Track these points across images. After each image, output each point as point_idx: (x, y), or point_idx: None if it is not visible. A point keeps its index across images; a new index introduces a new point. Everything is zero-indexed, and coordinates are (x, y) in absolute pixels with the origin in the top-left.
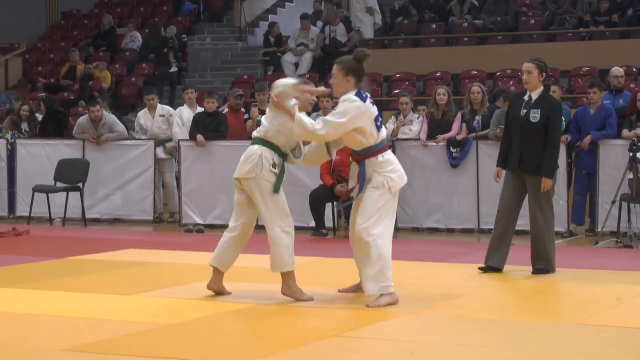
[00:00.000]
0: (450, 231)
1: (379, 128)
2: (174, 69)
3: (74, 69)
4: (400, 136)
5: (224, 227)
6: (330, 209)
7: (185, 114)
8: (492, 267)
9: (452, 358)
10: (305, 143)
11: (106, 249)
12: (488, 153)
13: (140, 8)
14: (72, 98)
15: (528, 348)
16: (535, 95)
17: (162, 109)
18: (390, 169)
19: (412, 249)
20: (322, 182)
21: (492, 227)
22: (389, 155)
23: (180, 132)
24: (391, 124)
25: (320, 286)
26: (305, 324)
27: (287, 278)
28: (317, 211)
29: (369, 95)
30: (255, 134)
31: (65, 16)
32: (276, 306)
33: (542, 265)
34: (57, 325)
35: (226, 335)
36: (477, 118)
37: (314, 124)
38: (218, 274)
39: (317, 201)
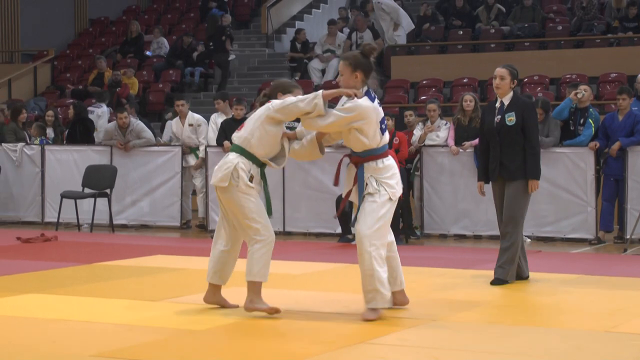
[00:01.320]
0: (477, 238)
1: (382, 131)
2: (232, 57)
3: (101, 76)
4: (427, 142)
5: None
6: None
7: (220, 120)
8: (519, 277)
9: None
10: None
11: (133, 254)
12: None
13: (167, 15)
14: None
15: (556, 355)
16: (506, 100)
17: (192, 117)
18: (390, 175)
19: (439, 255)
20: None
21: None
22: (389, 160)
23: (214, 137)
24: (418, 130)
25: (345, 293)
26: (332, 330)
27: (251, 289)
28: (343, 217)
29: (375, 96)
30: (234, 140)
31: (92, 23)
32: (302, 312)
33: (501, 275)
34: (85, 330)
35: (254, 340)
36: None
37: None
38: (215, 286)
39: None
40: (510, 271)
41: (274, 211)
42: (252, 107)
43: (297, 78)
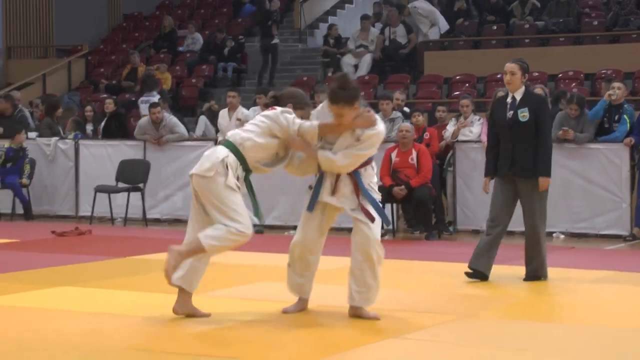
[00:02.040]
0: (510, 234)
1: None
2: (276, 41)
3: (134, 71)
4: (460, 138)
5: (283, 227)
6: (388, 210)
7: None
8: (479, 271)
9: None
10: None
11: (166, 248)
12: None
13: (200, 10)
14: (133, 99)
15: (589, 353)
16: (518, 95)
17: (241, 112)
18: (375, 180)
19: (471, 251)
20: (380, 183)
21: (552, 229)
22: (372, 163)
23: None
24: (451, 126)
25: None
26: (365, 324)
27: (191, 248)
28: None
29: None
30: (229, 136)
31: (126, 18)
32: (333, 307)
33: (534, 272)
34: (119, 323)
35: (287, 334)
36: None
37: (336, 157)
38: (185, 294)
39: None
40: (543, 267)
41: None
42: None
43: (330, 73)
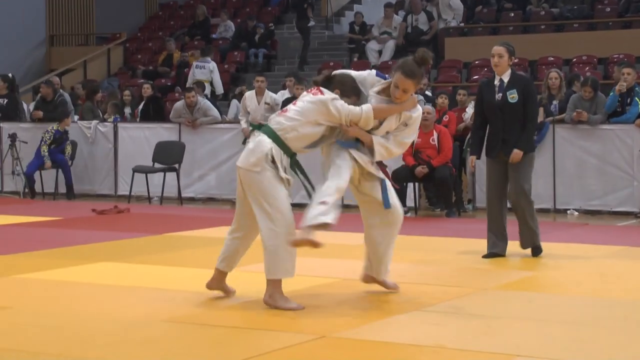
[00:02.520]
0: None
1: None
2: (312, 23)
3: (170, 57)
4: None
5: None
6: (411, 188)
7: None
8: (498, 254)
9: (531, 333)
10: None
11: (201, 226)
12: (564, 136)
13: None
14: (169, 84)
15: (604, 324)
16: (505, 78)
17: (269, 96)
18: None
19: None
20: (403, 163)
21: (566, 207)
22: None
23: None
24: (470, 109)
25: (399, 263)
26: (386, 297)
27: (270, 285)
28: (399, 190)
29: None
30: (270, 122)
31: (162, 7)
32: (355, 281)
33: (530, 244)
34: (156, 297)
35: (315, 308)
36: (555, 102)
37: (390, 145)
38: (221, 273)
39: (398, 181)
40: (537, 235)
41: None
42: None
43: (355, 59)
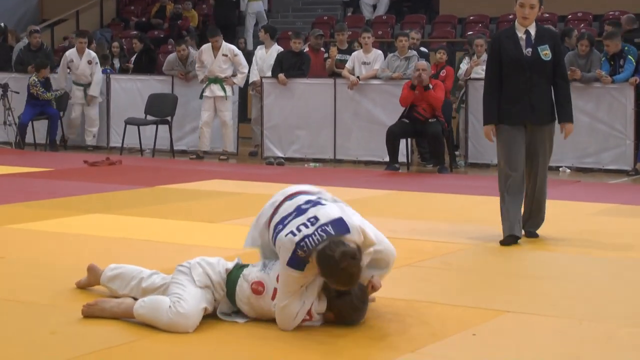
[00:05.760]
0: None
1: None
2: None
3: (163, 9)
4: (472, 75)
5: (303, 160)
6: (404, 144)
7: (260, 53)
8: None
9: (521, 289)
10: None
11: (192, 179)
12: None
13: None
14: (162, 36)
15: (594, 281)
16: (532, 30)
17: (226, 47)
18: None
19: (482, 184)
20: (397, 119)
21: (558, 164)
22: None
23: (252, 70)
24: (465, 64)
25: (393, 218)
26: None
27: None
28: (392, 146)
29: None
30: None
31: None
32: None
33: (536, 227)
34: (147, 248)
35: None
36: None
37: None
38: None
39: (394, 137)
40: (542, 223)
41: (325, 140)
42: (306, 41)
43: (349, 13)
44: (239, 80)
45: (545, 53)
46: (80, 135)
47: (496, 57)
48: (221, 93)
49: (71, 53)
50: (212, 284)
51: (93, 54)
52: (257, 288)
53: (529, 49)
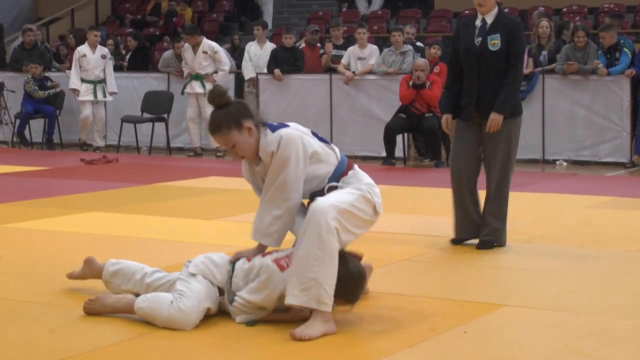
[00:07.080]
0: (517, 161)
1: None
2: None
3: (158, 6)
4: None
5: None
6: (400, 139)
7: (253, 49)
8: (464, 239)
9: (519, 282)
10: None
11: (189, 176)
12: (554, 86)
13: None
14: (157, 34)
15: (591, 274)
16: (489, 19)
17: (206, 45)
18: None
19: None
20: (394, 114)
21: (555, 157)
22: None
23: (246, 66)
24: None
25: (389, 213)
26: (374, 248)
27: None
28: (390, 142)
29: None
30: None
31: None
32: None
33: (491, 234)
34: (145, 246)
35: None
36: (544, 52)
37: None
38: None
39: (391, 132)
40: (503, 232)
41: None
42: (301, 36)
43: (344, 9)
44: (220, 77)
45: (494, 42)
46: (77, 134)
47: (454, 48)
48: (201, 90)
49: (83, 48)
50: (217, 279)
51: (105, 49)
52: (283, 264)
53: (479, 39)
